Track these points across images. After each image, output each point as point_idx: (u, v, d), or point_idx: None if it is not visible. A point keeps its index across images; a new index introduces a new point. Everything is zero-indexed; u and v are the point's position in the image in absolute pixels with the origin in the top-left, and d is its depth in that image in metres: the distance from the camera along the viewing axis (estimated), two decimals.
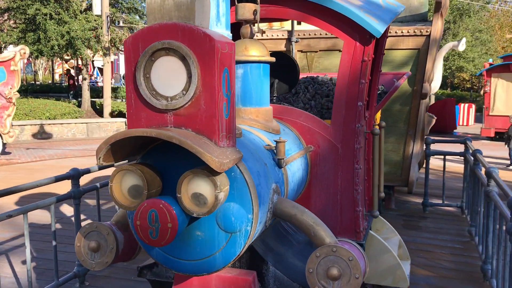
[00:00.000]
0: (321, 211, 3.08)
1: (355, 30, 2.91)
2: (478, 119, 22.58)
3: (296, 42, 6.10)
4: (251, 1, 2.78)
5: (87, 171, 4.27)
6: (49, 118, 16.76)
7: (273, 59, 2.84)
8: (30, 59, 26.47)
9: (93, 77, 33.83)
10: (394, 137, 5.91)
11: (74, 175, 4.03)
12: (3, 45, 19.78)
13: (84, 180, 4.93)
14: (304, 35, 6.05)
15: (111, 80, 22.54)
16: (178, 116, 1.95)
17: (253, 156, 2.28)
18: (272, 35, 6.19)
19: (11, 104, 11.42)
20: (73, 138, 16.65)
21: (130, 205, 1.96)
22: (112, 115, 18.99)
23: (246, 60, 2.72)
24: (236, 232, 2.05)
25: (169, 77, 1.93)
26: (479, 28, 32.66)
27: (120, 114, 18.89)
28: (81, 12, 18.77)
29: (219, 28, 2.18)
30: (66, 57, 22.95)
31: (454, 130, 19.02)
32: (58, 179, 3.95)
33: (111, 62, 21.24)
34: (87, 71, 20.86)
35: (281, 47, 6.15)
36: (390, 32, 5.35)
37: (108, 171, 6.85)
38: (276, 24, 6.22)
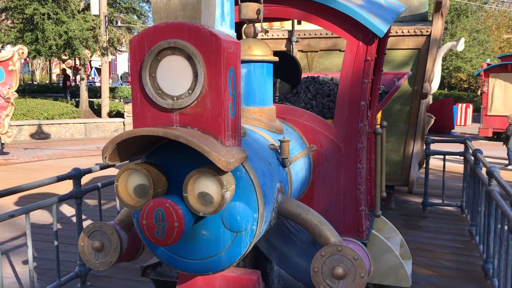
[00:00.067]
0: (324, 210, 3.08)
1: (358, 30, 2.92)
2: (475, 119, 22.64)
3: (297, 42, 6.10)
4: (254, 0, 2.78)
5: (89, 171, 4.27)
6: (47, 118, 16.72)
7: (276, 59, 2.84)
8: (28, 59, 26.37)
9: (90, 77, 33.78)
10: (395, 137, 5.92)
11: (76, 175, 4.02)
12: (1, 45, 19.72)
13: (82, 180, 4.93)
14: (304, 35, 6.06)
15: (109, 80, 22.50)
16: (184, 115, 1.94)
17: (258, 156, 2.29)
18: (272, 35, 6.19)
19: (9, 104, 11.40)
20: (71, 138, 16.62)
21: (135, 204, 1.96)
22: (110, 115, 18.96)
23: (250, 59, 2.73)
24: (242, 232, 2.05)
25: (175, 77, 1.93)
26: (477, 28, 32.74)
27: (118, 114, 18.86)
28: (79, 12, 18.73)
29: (224, 28, 2.18)
30: (64, 57, 22.90)
31: (452, 130, 19.07)
32: (60, 179, 3.94)
33: (109, 62, 21.19)
34: (85, 71, 20.81)
35: (282, 46, 6.16)
36: (390, 32, 5.35)
37: (109, 171, 6.87)
38: (276, 24, 6.23)
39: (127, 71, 40.08)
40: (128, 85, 31.49)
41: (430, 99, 6.21)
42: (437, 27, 5.49)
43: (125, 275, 4.42)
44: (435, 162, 8.12)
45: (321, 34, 5.96)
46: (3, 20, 20.00)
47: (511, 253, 3.40)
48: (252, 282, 2.35)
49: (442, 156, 6.90)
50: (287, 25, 6.15)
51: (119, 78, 35.63)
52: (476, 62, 31.10)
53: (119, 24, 20.55)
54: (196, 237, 2.08)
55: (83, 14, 18.78)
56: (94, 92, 24.88)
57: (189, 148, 1.83)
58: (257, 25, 2.95)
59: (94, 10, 18.26)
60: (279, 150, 2.55)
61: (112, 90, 24.35)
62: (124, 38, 20.29)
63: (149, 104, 1.97)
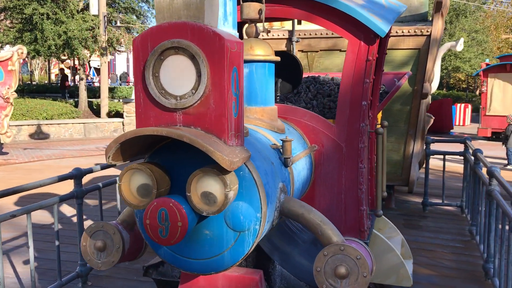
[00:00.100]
0: (325, 210, 3.08)
1: (360, 30, 2.92)
2: (474, 119, 22.67)
3: (297, 42, 6.10)
4: (256, 0, 2.79)
5: (90, 170, 4.27)
6: (46, 118, 16.70)
7: (278, 59, 2.85)
8: (26, 59, 26.35)
9: (89, 77, 33.76)
10: (395, 137, 5.92)
11: (77, 175, 4.02)
12: (0, 45, 19.69)
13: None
14: (304, 35, 6.06)
15: (108, 80, 22.49)
16: (187, 115, 1.94)
17: (261, 155, 2.29)
18: (273, 35, 6.19)
19: (8, 104, 11.38)
20: (70, 138, 16.61)
21: (139, 204, 1.96)
22: (109, 115, 18.95)
23: (252, 59, 2.73)
24: (245, 231, 2.05)
25: (178, 76, 1.93)
26: (475, 28, 32.77)
27: (117, 114, 18.84)
28: (78, 12, 18.70)
29: (226, 27, 2.18)
30: (63, 57, 22.88)
31: (451, 130, 19.09)
32: (61, 178, 3.94)
33: (107, 62, 21.17)
34: (84, 71, 20.79)
35: (282, 46, 6.16)
36: (390, 32, 5.36)
37: (108, 172, 6.86)
38: (276, 24, 6.23)
39: (126, 71, 40.08)
40: (127, 85, 31.49)
41: (429, 99, 6.21)
42: (438, 27, 5.49)
43: (125, 275, 4.42)
44: (434, 162, 8.13)
45: (321, 34, 5.96)
46: (2, 20, 19.97)
47: None
48: (255, 282, 2.35)
49: (441, 156, 6.92)
50: (287, 25, 6.16)
51: (118, 78, 35.62)
52: (474, 62, 31.14)
53: (118, 24, 20.52)
54: (199, 236, 2.08)
55: (82, 14, 18.76)
56: (93, 92, 24.86)
57: (192, 147, 1.83)
58: (259, 25, 2.96)
59: (93, 10, 18.23)
60: (281, 150, 2.55)
61: (111, 90, 24.35)
62: (123, 38, 20.28)
63: (152, 103, 1.97)
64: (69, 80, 26.11)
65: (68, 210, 6.65)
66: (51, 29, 17.61)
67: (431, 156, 6.68)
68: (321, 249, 2.22)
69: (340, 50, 6.01)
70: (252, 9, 2.75)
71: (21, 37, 18.17)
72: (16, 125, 15.33)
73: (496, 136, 16.24)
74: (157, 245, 2.18)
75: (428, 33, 5.56)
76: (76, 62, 24.56)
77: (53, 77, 38.15)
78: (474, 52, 31.60)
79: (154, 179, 1.90)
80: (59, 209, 6.56)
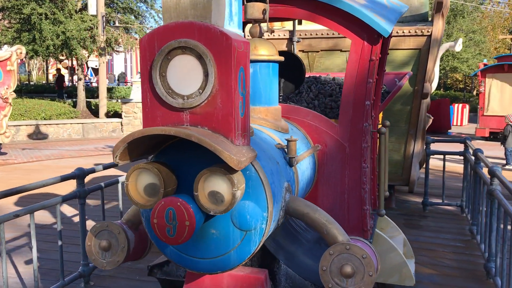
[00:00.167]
0: (328, 209, 3.08)
1: (363, 30, 2.93)
2: (472, 119, 22.72)
3: (298, 42, 6.11)
4: (260, 0, 2.79)
5: (92, 170, 4.27)
6: (44, 119, 16.67)
7: (282, 58, 2.85)
8: (24, 59, 26.29)
9: (87, 78, 33.73)
10: (395, 137, 5.94)
11: (80, 175, 4.02)
12: None
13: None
14: (305, 35, 6.07)
15: (106, 80, 22.44)
16: (194, 114, 1.95)
17: (266, 155, 2.30)
18: (273, 35, 6.20)
19: (7, 105, 11.37)
20: (69, 138, 16.58)
21: (146, 203, 1.96)
22: (108, 115, 18.93)
23: (256, 59, 2.73)
24: (251, 230, 2.05)
25: (185, 76, 1.94)
26: (473, 29, 32.85)
27: (116, 115, 18.82)
28: (76, 12, 18.68)
29: (232, 27, 2.19)
30: (61, 57, 22.84)
31: (449, 130, 19.13)
32: (64, 178, 3.94)
33: (105, 62, 21.13)
34: (82, 71, 20.77)
35: (283, 47, 6.17)
36: (392, 32, 5.38)
37: (107, 172, 6.85)
38: (277, 24, 6.23)
39: (123, 71, 40.04)
40: (125, 86, 31.44)
41: (429, 99, 6.23)
42: (438, 27, 5.51)
43: (128, 275, 4.42)
44: (434, 162, 8.14)
45: (322, 34, 5.98)
46: (0, 20, 19.92)
47: None
48: (260, 281, 2.36)
49: (441, 156, 6.94)
50: (288, 25, 6.16)
51: (116, 79, 35.58)
52: (472, 62, 31.23)
53: (117, 24, 20.50)
54: (205, 236, 2.08)
55: (81, 14, 18.73)
56: (91, 92, 24.83)
57: (198, 147, 1.84)
58: (262, 25, 2.96)
59: (92, 10, 18.20)
60: (286, 150, 2.56)
61: (109, 90, 24.30)
62: (121, 38, 20.26)
63: (159, 103, 1.98)
64: (66, 80, 26.05)
65: (68, 210, 6.65)
66: (50, 29, 17.58)
67: (430, 156, 6.70)
68: (325, 249, 2.23)
69: (341, 50, 6.02)
70: (256, 9, 2.76)
71: (19, 37, 18.13)
72: (14, 125, 15.30)
73: (494, 136, 16.30)
74: (163, 245, 2.18)
75: (429, 33, 5.58)
76: (74, 62, 24.54)
77: (51, 77, 38.07)
78: (472, 52, 31.68)
79: (162, 179, 1.91)
80: (60, 209, 6.56)
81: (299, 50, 6.15)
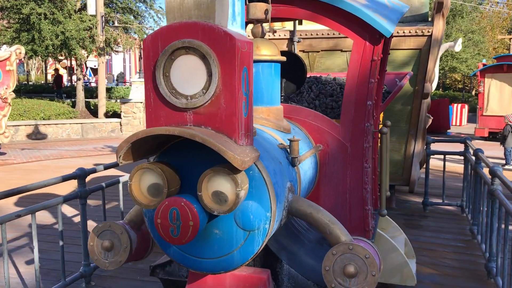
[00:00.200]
0: (330, 209, 3.06)
1: (365, 30, 2.93)
2: (471, 119, 22.74)
3: (298, 42, 6.11)
4: (262, 0, 2.79)
5: (93, 170, 4.27)
6: (43, 119, 16.66)
7: (284, 59, 2.85)
8: (23, 59, 26.26)
9: (85, 78, 33.71)
10: (396, 137, 5.94)
11: (81, 175, 4.02)
12: None
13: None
14: (306, 35, 6.07)
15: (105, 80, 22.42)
16: (198, 114, 1.95)
17: (269, 155, 2.30)
18: (274, 35, 6.20)
19: (6, 105, 11.37)
20: (68, 138, 16.58)
21: (149, 203, 1.96)
22: (107, 115, 18.92)
23: (258, 59, 2.74)
24: (255, 230, 2.06)
25: (189, 76, 1.94)
26: (472, 29, 32.90)
27: (115, 115, 18.81)
28: (75, 12, 18.66)
29: (235, 27, 2.18)
30: (60, 57, 22.82)
31: (448, 130, 19.16)
32: (65, 178, 3.94)
33: (104, 62, 21.11)
34: (81, 71, 20.75)
35: (283, 47, 6.17)
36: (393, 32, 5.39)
37: (107, 172, 6.84)
38: (277, 24, 6.23)
39: (122, 71, 40.02)
40: (124, 86, 31.43)
41: (429, 99, 6.23)
42: (438, 27, 5.52)
43: (129, 275, 4.42)
44: (434, 162, 8.15)
45: (322, 34, 5.98)
46: None
47: None
48: (262, 281, 2.36)
49: (441, 156, 6.94)
50: (289, 25, 6.16)
51: (115, 79, 35.56)
52: (471, 62, 31.27)
53: (116, 24, 20.48)
54: (208, 236, 2.08)
55: (80, 14, 18.71)
56: (90, 92, 24.81)
57: (201, 147, 1.84)
58: (264, 25, 2.97)
59: (91, 10, 18.19)
60: (288, 150, 2.56)
61: (108, 90, 24.30)
62: (120, 39, 20.24)
63: (162, 103, 1.98)
64: (65, 80, 26.03)
65: (68, 210, 6.64)
66: (49, 29, 17.55)
67: (431, 156, 6.71)
68: (327, 249, 2.23)
69: (342, 51, 6.03)
70: (258, 9, 2.76)
71: (18, 37, 18.10)
72: (13, 125, 15.29)
73: (493, 136, 16.32)
74: (166, 245, 2.18)
75: (429, 34, 5.58)
76: (73, 62, 24.50)
77: (49, 77, 38.05)
78: (471, 52, 31.73)
79: (165, 179, 1.91)
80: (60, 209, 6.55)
81: (300, 50, 6.16)
